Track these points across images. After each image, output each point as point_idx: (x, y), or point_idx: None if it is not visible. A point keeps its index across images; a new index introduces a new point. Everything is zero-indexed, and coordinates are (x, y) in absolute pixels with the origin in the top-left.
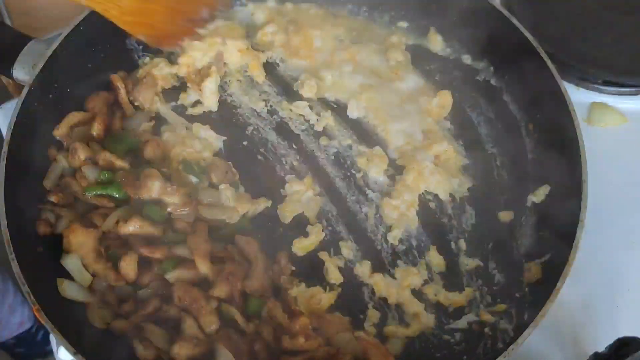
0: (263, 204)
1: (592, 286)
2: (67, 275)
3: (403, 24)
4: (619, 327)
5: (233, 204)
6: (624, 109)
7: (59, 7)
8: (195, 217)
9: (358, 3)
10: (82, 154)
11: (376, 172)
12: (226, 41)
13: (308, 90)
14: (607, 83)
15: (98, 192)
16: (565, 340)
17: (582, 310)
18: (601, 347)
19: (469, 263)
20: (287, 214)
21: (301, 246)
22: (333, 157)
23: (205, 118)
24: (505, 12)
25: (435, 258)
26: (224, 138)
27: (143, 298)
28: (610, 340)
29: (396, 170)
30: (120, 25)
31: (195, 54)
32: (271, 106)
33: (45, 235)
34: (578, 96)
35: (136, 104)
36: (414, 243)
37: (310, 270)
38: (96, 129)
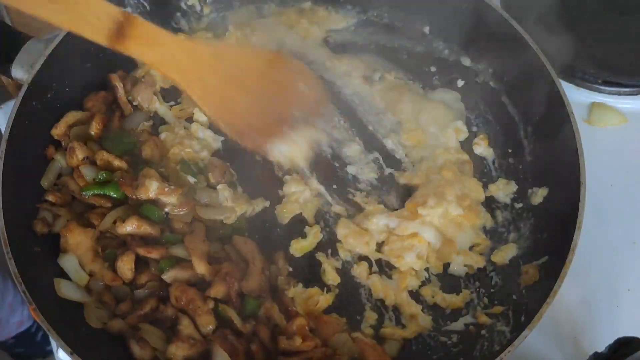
0: (261, 204)
1: (592, 286)
2: (64, 275)
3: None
4: (619, 327)
5: (231, 205)
6: (624, 109)
7: None
8: (193, 217)
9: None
10: (80, 153)
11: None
12: None
13: None
14: (607, 83)
15: (96, 192)
16: (565, 340)
17: (582, 310)
18: (601, 347)
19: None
20: (284, 214)
21: (299, 247)
22: (329, 157)
23: None
24: (505, 14)
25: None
26: (222, 138)
27: (140, 298)
28: (610, 340)
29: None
30: (201, 106)
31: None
32: None
33: (42, 235)
34: (578, 96)
35: (135, 103)
36: None
37: (308, 271)
38: (94, 129)
